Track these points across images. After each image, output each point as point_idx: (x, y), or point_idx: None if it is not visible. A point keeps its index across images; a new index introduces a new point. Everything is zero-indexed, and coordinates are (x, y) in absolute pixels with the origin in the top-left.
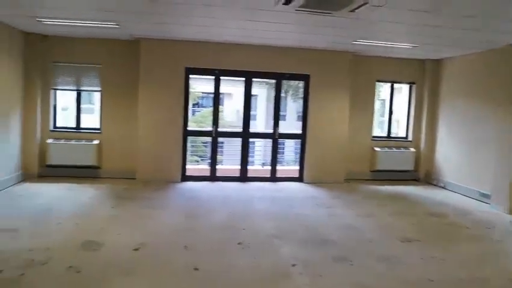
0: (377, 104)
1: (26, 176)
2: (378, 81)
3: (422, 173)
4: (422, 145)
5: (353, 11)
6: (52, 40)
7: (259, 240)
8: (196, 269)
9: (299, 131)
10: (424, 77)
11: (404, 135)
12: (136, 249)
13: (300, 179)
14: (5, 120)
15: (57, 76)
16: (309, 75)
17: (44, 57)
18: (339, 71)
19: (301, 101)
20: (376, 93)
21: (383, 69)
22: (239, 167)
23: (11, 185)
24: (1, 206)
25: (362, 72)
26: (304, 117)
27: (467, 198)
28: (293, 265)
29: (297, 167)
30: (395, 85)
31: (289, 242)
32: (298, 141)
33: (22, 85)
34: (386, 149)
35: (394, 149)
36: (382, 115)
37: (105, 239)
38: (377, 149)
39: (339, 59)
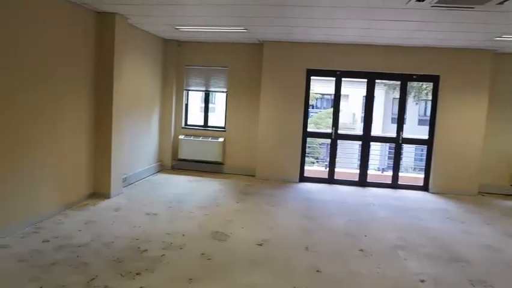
0: None
1: (162, 167)
2: None
3: None
4: None
5: (501, 3)
6: (186, 45)
7: (383, 250)
8: (318, 271)
9: (425, 136)
10: None
11: None
12: (259, 244)
13: (424, 188)
14: (148, 117)
15: (189, 78)
16: (438, 76)
17: (179, 61)
18: (475, 71)
19: (424, 104)
20: None
21: None
22: (357, 171)
23: (151, 175)
24: (145, 192)
25: (506, 73)
26: (432, 122)
27: None
28: (422, 281)
29: (421, 175)
30: None
31: (416, 256)
32: (423, 147)
33: (161, 86)
34: None
35: None
36: None
37: (231, 231)
38: None
39: (476, 58)
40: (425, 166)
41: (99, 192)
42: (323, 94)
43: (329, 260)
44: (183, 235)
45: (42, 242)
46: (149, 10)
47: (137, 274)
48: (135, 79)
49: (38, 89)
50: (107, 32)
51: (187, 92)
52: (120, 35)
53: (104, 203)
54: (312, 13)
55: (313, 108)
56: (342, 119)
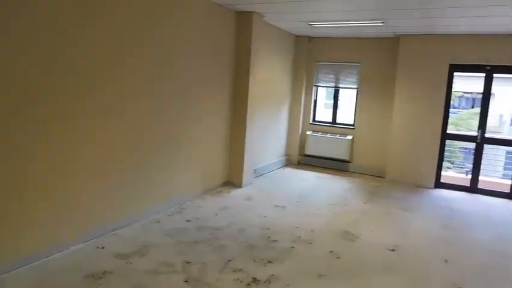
0: None
1: (288, 162)
2: None
3: None
4: None
5: None
6: (316, 41)
7: None
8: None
9: None
10: None
11: None
12: (392, 250)
13: None
14: (278, 112)
15: (319, 74)
16: None
17: (309, 57)
18: None
19: None
20: None
21: None
22: (506, 181)
23: (278, 168)
24: (273, 185)
25: None
26: None
27: None
28: None
29: None
30: None
31: None
32: None
33: (291, 82)
34: None
35: None
36: None
37: (360, 233)
38: None
39: None
40: None
41: (232, 181)
42: (464, 92)
43: (473, 278)
44: (312, 230)
45: (186, 221)
46: (286, 7)
47: (269, 262)
48: (268, 75)
49: (188, 90)
50: (246, 29)
51: (317, 88)
52: (256, 32)
53: (236, 192)
54: (465, 0)
55: (452, 108)
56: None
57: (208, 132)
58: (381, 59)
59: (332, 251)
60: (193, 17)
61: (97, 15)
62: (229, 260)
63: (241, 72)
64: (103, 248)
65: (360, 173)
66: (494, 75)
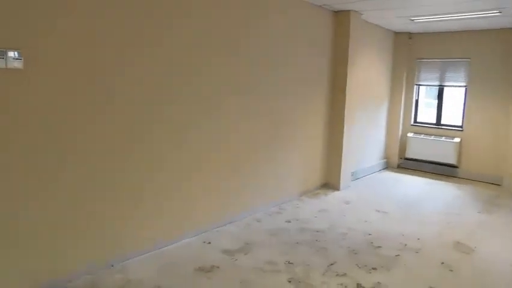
0: None
1: (387, 165)
2: None
3: None
4: None
5: None
6: (417, 37)
7: None
8: None
9: None
10: None
11: None
12: None
13: None
14: (376, 113)
15: (420, 72)
16: None
17: (409, 54)
18: None
19: None
20: None
21: None
22: None
23: (376, 171)
24: (372, 189)
25: None
26: None
27: None
28: None
29: None
30: None
31: None
32: None
33: (390, 81)
34: None
35: None
36: None
37: (476, 245)
38: None
39: None
40: None
41: (329, 183)
42: None
43: None
44: (418, 239)
45: (285, 221)
46: (385, 3)
47: (373, 269)
48: (366, 74)
49: (288, 93)
50: (343, 29)
51: (418, 87)
52: (354, 31)
53: (334, 194)
54: None
55: None
56: None
57: (307, 134)
58: (496, 53)
59: (443, 263)
60: (290, 20)
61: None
62: (332, 264)
63: (339, 73)
64: (209, 243)
65: (470, 179)
66: None
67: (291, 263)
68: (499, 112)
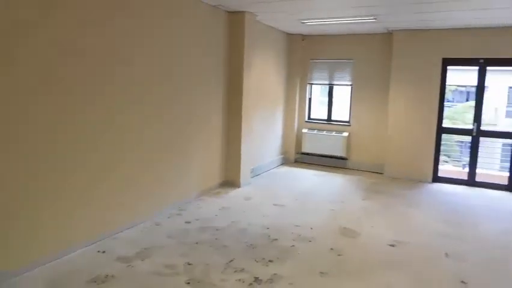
0: None
1: (285, 160)
2: None
3: None
4: None
5: None
6: (310, 39)
7: None
8: (463, 282)
9: None
10: None
11: None
12: (392, 245)
13: None
14: (273, 111)
15: (313, 72)
16: None
17: (303, 55)
18: None
19: None
20: None
21: None
22: (502, 173)
23: (275, 167)
24: (271, 184)
25: None
26: None
27: None
28: None
29: None
30: None
31: None
32: None
33: (285, 80)
34: None
35: None
36: None
37: (361, 229)
38: None
39: None
40: None
41: (230, 181)
42: (457, 86)
43: (478, 272)
44: (311, 228)
45: (185, 222)
46: (277, 6)
47: (270, 261)
48: (262, 74)
49: (182, 92)
50: (238, 30)
51: (311, 86)
52: (249, 32)
53: (235, 192)
54: None
55: (447, 101)
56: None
57: (205, 135)
58: (375, 55)
59: (332, 249)
60: (185, 21)
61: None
62: (231, 260)
63: (235, 72)
64: (104, 252)
65: (358, 170)
66: (488, 68)
67: (191, 264)
68: (379, 107)
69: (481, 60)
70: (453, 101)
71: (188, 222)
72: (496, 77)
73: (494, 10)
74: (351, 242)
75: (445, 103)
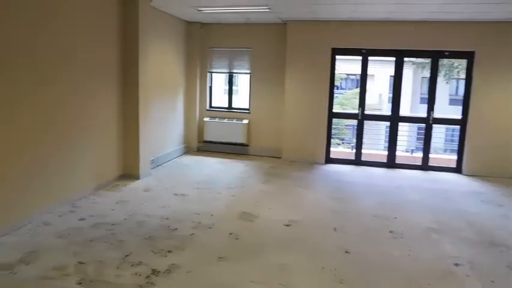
0: None
1: (188, 149)
2: None
3: None
4: None
5: None
6: (209, 27)
7: (415, 232)
8: (347, 252)
9: (458, 116)
10: None
11: None
12: (287, 225)
13: (457, 169)
14: (173, 100)
15: (213, 60)
16: (473, 52)
17: (203, 44)
18: None
19: (455, 82)
20: None
21: None
22: (385, 152)
23: (177, 156)
24: (172, 174)
25: None
26: (465, 100)
27: None
28: (456, 265)
29: (454, 156)
30: None
31: (451, 239)
32: (454, 127)
33: (185, 69)
34: None
35: None
36: None
37: (258, 212)
38: None
39: None
40: (458, 147)
41: (129, 173)
42: (348, 74)
43: (358, 241)
44: (211, 215)
45: (79, 220)
46: None
47: (168, 252)
48: (160, 62)
49: (71, 71)
50: (132, 17)
51: (211, 74)
52: (144, 19)
53: (134, 184)
54: None
55: (338, 89)
56: (368, 99)
57: (98, 126)
58: (272, 44)
59: (231, 233)
60: (74, 10)
61: None
62: (127, 255)
63: (131, 61)
64: None
65: (259, 156)
66: (370, 57)
67: (83, 263)
68: (276, 95)
69: (364, 51)
70: (345, 88)
71: (83, 219)
72: (381, 67)
73: (372, 5)
74: (249, 225)
75: (337, 90)
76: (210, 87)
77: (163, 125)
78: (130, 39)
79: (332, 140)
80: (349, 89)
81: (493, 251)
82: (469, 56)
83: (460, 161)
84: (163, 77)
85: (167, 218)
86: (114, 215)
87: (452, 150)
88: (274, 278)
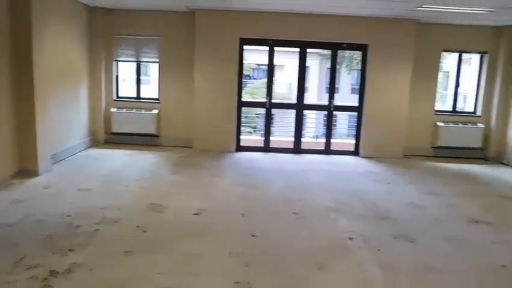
0: (440, 77)
1: (94, 142)
2: (446, 51)
3: (492, 151)
4: (493, 121)
5: None
6: (114, 14)
7: (315, 212)
8: (254, 235)
9: (355, 104)
10: (499, 46)
11: (472, 110)
12: (196, 214)
13: (355, 153)
14: (76, 90)
15: (119, 48)
16: (367, 45)
17: (107, 30)
18: (401, 40)
19: (356, 73)
20: (440, 65)
21: (451, 37)
22: (292, 139)
23: (82, 150)
24: (77, 168)
25: (426, 42)
26: (361, 89)
27: None
28: (351, 238)
29: (353, 141)
30: (463, 55)
31: (347, 216)
32: (354, 114)
33: (88, 57)
34: (451, 124)
35: (460, 125)
36: (445, 89)
37: (168, 203)
38: (440, 124)
39: (401, 28)
40: (356, 132)
41: (26, 170)
42: (259, 64)
43: (264, 224)
44: (118, 209)
45: None
46: None
47: (69, 250)
48: (58, 49)
49: None
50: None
51: (117, 63)
52: (37, 3)
53: (32, 181)
54: None
55: (251, 78)
56: (279, 89)
57: None
58: (181, 33)
59: (138, 226)
60: None
61: None
62: (22, 258)
63: (23, 48)
64: None
65: (169, 146)
66: (276, 48)
67: None
68: (186, 84)
69: (270, 41)
70: (257, 78)
71: None
72: (290, 58)
73: None
74: (157, 216)
75: (248, 80)
76: (117, 76)
77: (65, 117)
78: (21, 25)
79: (244, 129)
80: (260, 79)
81: (381, 224)
82: (363, 48)
83: (357, 144)
84: (63, 65)
85: (69, 215)
86: (8, 215)
87: (353, 135)
88: (182, 267)
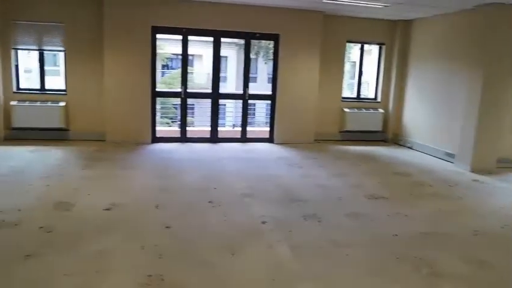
0: (348, 66)
1: None
2: (349, 41)
3: (390, 133)
4: (391, 106)
5: None
6: None
7: (230, 199)
8: (167, 227)
9: (269, 92)
10: (394, 38)
11: (373, 97)
12: (107, 209)
13: (270, 140)
14: None
15: (17, 35)
16: (278, 35)
17: (3, 16)
18: (309, 31)
19: (272, 63)
20: (346, 55)
21: (353, 29)
22: (209, 128)
23: None
24: None
25: (332, 33)
26: (274, 78)
27: (433, 158)
28: (263, 222)
29: (268, 128)
30: (365, 46)
31: (260, 201)
32: (269, 102)
33: None
34: (355, 110)
35: (363, 110)
36: (352, 77)
37: (76, 200)
38: (346, 110)
39: (309, 19)
40: (270, 120)
41: None
42: (176, 54)
43: (179, 215)
44: (19, 210)
45: None
46: None
47: None
48: None
49: None
50: None
51: (16, 52)
52: None
53: None
54: None
55: (168, 68)
56: (197, 79)
57: None
58: (88, 19)
59: (42, 227)
60: None
61: None
62: None
63: None
64: None
65: (80, 140)
66: (191, 37)
67: None
68: (96, 74)
69: (183, 30)
70: (175, 68)
71: None
72: (208, 48)
73: None
74: (64, 215)
75: (162, 70)
76: (16, 66)
77: None
78: None
79: (162, 120)
80: (179, 68)
81: (292, 206)
82: (275, 38)
83: (271, 131)
84: None
85: None
86: None
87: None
88: (90, 266)
